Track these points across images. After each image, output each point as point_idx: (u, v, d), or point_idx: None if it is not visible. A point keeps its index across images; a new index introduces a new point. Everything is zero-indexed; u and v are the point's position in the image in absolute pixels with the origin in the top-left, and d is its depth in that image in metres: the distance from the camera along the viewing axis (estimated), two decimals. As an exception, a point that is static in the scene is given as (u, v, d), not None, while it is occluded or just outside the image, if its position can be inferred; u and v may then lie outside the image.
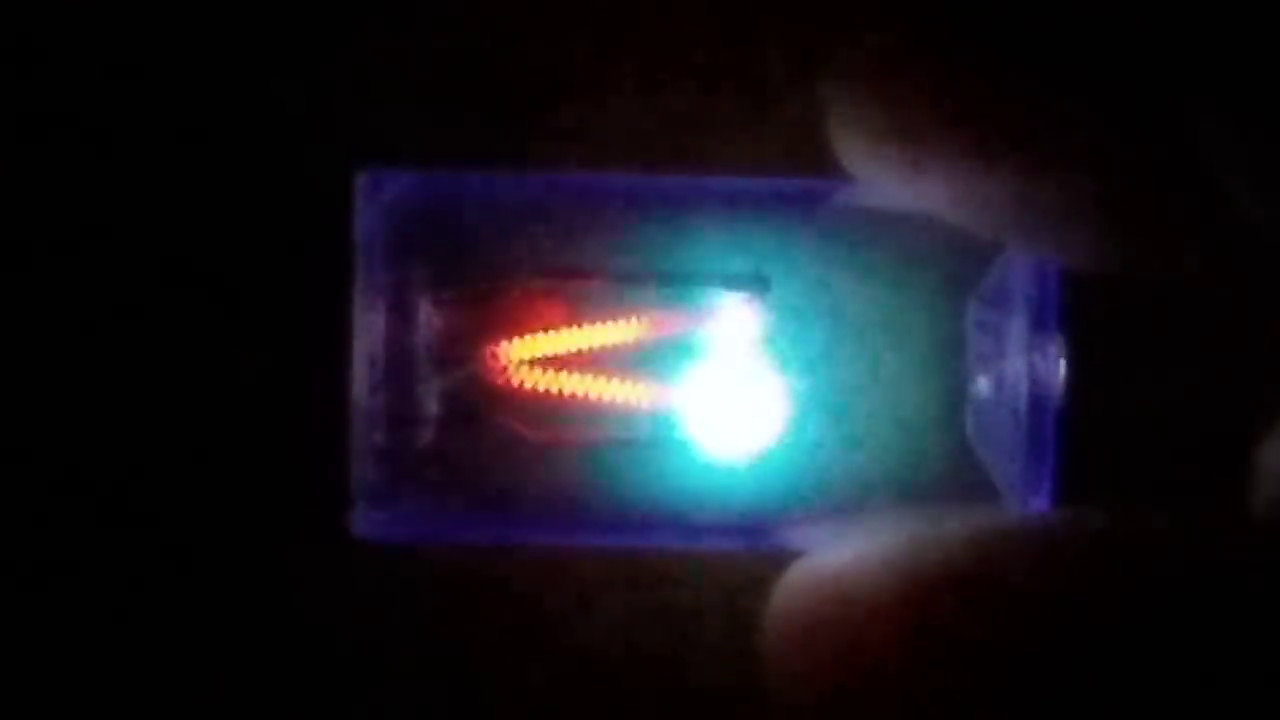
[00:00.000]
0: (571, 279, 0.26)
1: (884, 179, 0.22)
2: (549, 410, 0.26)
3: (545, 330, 0.26)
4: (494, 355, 0.26)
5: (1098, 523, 0.21)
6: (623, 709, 0.31)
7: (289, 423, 0.29)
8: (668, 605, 0.31)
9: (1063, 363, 0.25)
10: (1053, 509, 0.25)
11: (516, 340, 0.26)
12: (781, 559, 0.23)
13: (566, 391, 0.26)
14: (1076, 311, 0.26)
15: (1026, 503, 0.25)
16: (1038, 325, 0.25)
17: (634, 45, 0.31)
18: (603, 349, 0.27)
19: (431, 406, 0.26)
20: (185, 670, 0.31)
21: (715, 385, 0.27)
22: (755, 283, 0.26)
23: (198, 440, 0.30)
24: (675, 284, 0.27)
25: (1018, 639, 0.20)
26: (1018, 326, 0.25)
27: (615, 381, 0.26)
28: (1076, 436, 0.26)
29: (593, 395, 0.26)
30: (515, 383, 0.26)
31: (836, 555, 0.22)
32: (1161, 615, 0.19)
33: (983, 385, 0.26)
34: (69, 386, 0.30)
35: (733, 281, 0.27)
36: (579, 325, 0.27)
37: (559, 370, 0.26)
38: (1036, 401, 0.25)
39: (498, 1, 0.31)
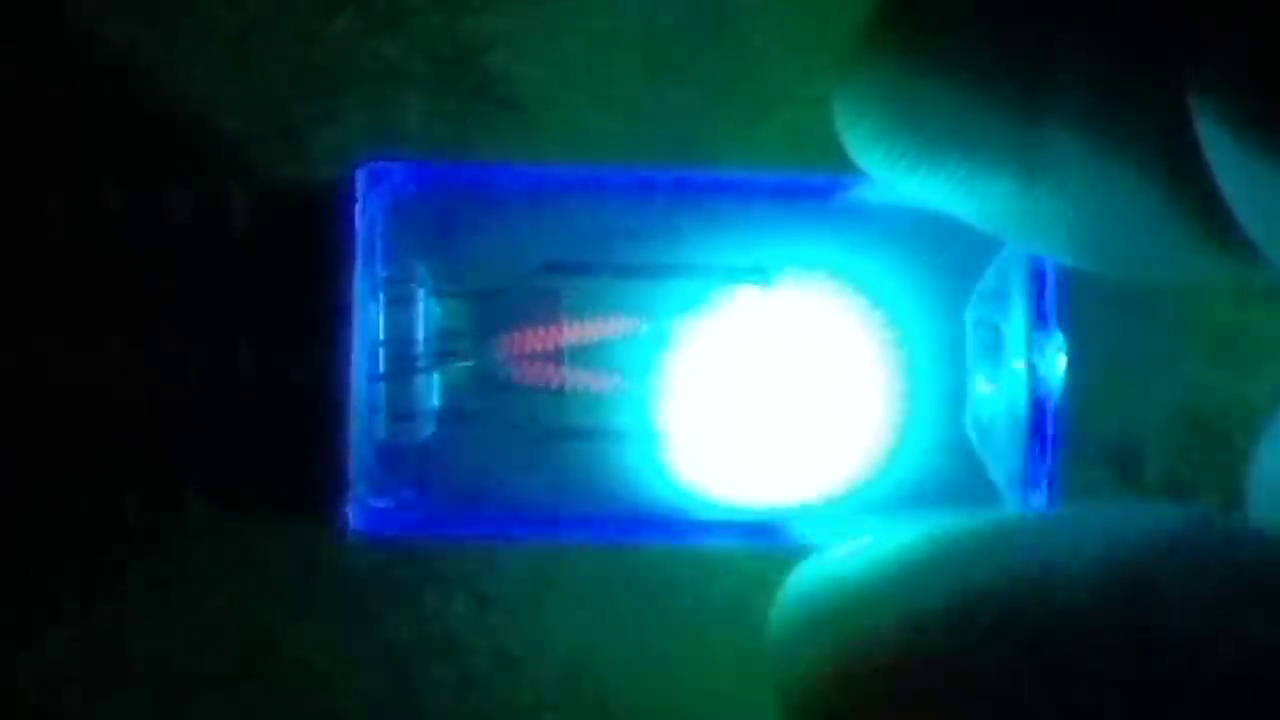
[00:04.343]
0: (573, 272, 0.26)
1: (893, 174, 0.22)
2: (550, 405, 0.26)
3: (547, 324, 0.26)
4: (495, 349, 0.26)
5: (1102, 521, 0.21)
6: (623, 710, 0.31)
7: (287, 415, 0.29)
8: (668, 605, 0.31)
9: (1063, 360, 0.25)
10: (1053, 507, 0.25)
11: (518, 334, 0.26)
12: (784, 558, 0.23)
13: (568, 386, 0.26)
14: (1076, 309, 0.26)
15: (1026, 501, 0.25)
16: (1038, 323, 0.25)
17: (634, 43, 0.31)
18: (605, 343, 0.27)
19: (431, 400, 0.26)
20: (181, 664, 0.30)
21: (718, 381, 0.27)
22: (758, 276, 0.26)
23: (194, 433, 0.30)
24: (678, 277, 0.27)
25: (1026, 639, 0.19)
26: (1017, 324, 0.25)
27: (617, 376, 0.26)
28: (1075, 435, 0.26)
29: (594, 390, 0.26)
30: (516, 377, 0.26)
31: (842, 558, 0.22)
32: (1164, 615, 0.19)
33: (982, 383, 0.26)
34: (66, 377, 0.30)
35: (736, 275, 0.27)
36: (581, 319, 0.26)
37: (560, 364, 0.26)
38: (1036, 399, 0.25)
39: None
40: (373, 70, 0.31)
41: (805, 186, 0.27)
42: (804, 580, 0.22)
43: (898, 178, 0.22)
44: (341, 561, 0.30)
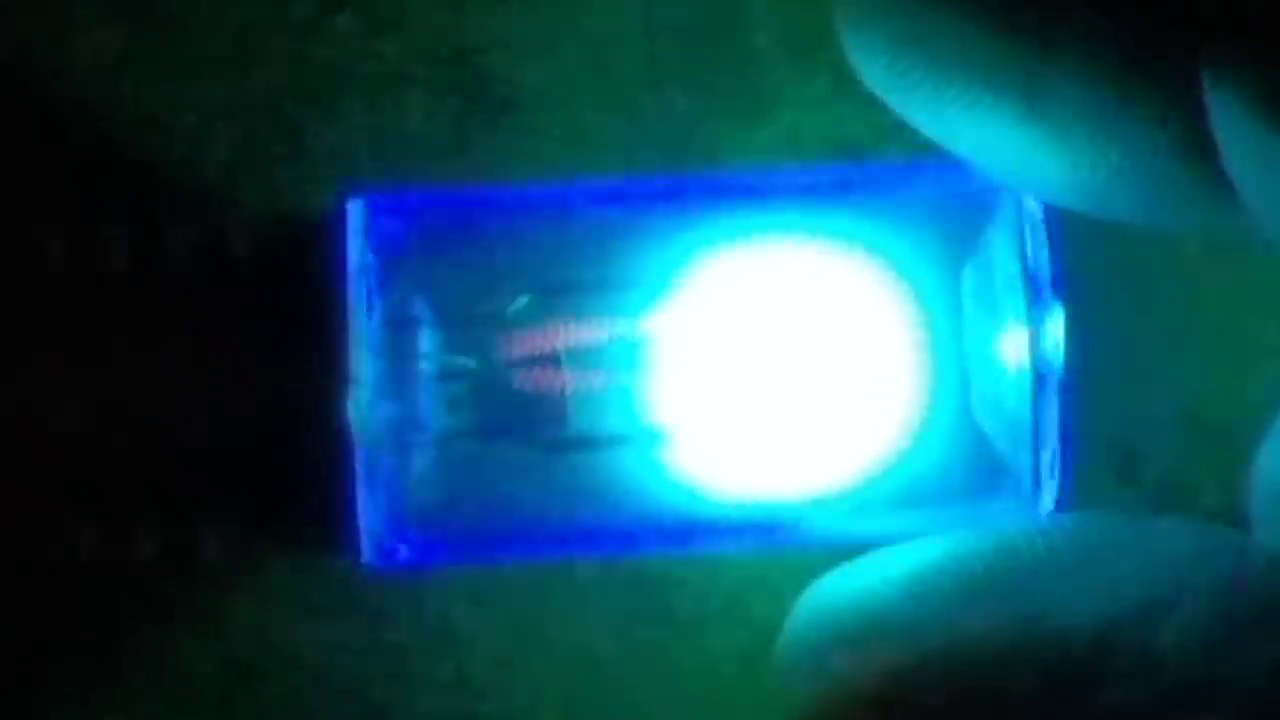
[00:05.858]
0: (572, 285, 0.26)
1: (895, 93, 0.21)
2: (555, 416, 0.26)
3: (547, 338, 0.26)
4: (496, 366, 0.26)
5: (1111, 543, 0.21)
6: (623, 710, 0.31)
7: (289, 447, 0.29)
8: (668, 605, 0.31)
9: (1062, 333, 0.25)
10: (1073, 514, 0.25)
11: (519, 349, 0.26)
12: (784, 558, 0.23)
13: (570, 396, 0.26)
14: (1077, 309, 0.26)
15: (1039, 479, 0.25)
16: (1035, 297, 0.25)
17: (634, 43, 0.31)
18: (605, 349, 0.26)
19: (435, 422, 0.26)
20: (180, 664, 0.30)
21: (721, 379, 0.27)
22: (758, 274, 0.27)
23: (199, 464, 0.30)
24: (678, 277, 0.27)
25: (1033, 668, 0.19)
26: (1014, 299, 0.25)
27: (619, 382, 0.26)
28: (1075, 435, 0.26)
29: (598, 397, 0.26)
30: (519, 391, 0.26)
31: (849, 582, 0.22)
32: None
33: (983, 360, 0.26)
34: (68, 400, 0.30)
35: (736, 274, 0.27)
36: (580, 329, 0.26)
37: (562, 375, 0.26)
38: (1039, 374, 0.25)
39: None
40: (373, 70, 0.31)
41: (805, 184, 0.27)
42: (813, 604, 0.22)
43: (899, 97, 0.21)
44: (341, 562, 0.30)
